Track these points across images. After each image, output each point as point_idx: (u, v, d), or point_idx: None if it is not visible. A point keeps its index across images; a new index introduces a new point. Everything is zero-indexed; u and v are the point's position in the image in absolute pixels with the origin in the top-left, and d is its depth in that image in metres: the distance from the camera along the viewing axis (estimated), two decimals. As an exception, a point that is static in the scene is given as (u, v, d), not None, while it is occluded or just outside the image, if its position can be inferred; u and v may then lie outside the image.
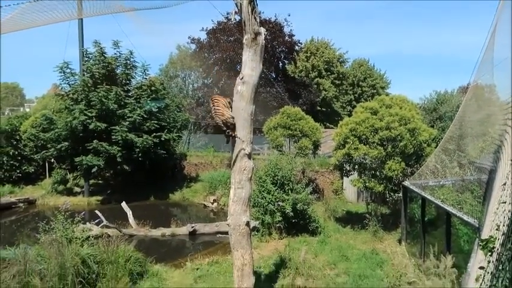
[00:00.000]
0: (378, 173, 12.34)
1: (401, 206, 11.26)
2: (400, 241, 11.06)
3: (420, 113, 14.52)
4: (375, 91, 44.22)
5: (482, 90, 11.04)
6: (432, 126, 15.58)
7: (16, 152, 20.17)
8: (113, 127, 17.66)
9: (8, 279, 7.26)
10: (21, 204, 17.43)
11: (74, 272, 7.60)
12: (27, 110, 44.53)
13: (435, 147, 11.88)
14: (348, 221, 13.00)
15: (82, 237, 9.28)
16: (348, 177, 14.30)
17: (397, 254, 10.12)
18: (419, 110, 16.22)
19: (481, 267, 4.11)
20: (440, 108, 21.66)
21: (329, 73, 43.05)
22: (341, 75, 44.21)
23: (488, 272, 3.97)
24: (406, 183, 10.88)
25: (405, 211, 11.00)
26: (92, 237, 9.90)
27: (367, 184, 12.32)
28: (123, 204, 13.58)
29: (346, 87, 44.84)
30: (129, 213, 13.27)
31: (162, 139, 18.72)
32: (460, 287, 6.54)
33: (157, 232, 12.73)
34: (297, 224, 11.82)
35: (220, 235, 12.29)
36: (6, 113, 39.66)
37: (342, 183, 17.17)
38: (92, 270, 8.07)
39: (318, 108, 39.09)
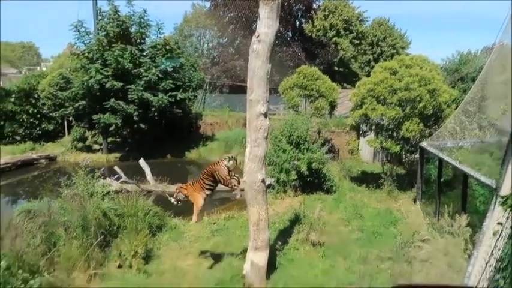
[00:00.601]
0: (395, 134, 12.21)
1: (418, 166, 11.21)
2: (415, 200, 11.10)
3: (441, 74, 14.11)
4: (395, 51, 42.81)
5: (508, 50, 10.61)
6: (453, 87, 15.17)
7: (35, 110, 20.54)
8: (129, 86, 17.72)
9: (34, 229, 7.60)
10: (42, 161, 17.94)
11: (96, 224, 7.89)
12: (44, 69, 44.81)
13: (455, 109, 11.63)
14: (363, 181, 13.05)
15: (102, 192, 9.56)
16: (364, 137, 14.21)
17: (412, 213, 10.20)
18: (441, 71, 15.75)
19: (499, 223, 4.13)
20: (463, 69, 20.97)
21: (347, 32, 41.71)
22: (360, 35, 42.80)
23: (506, 227, 3.98)
24: (424, 144, 10.76)
25: (421, 172, 10.96)
26: (112, 192, 10.18)
27: (383, 144, 12.23)
28: (141, 161, 13.83)
29: (365, 47, 43.51)
30: (147, 169, 13.53)
31: (178, 98, 18.74)
32: (473, 245, 6.58)
33: (174, 188, 13.00)
34: (312, 182, 11.92)
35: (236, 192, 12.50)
36: (23, 72, 40.01)
37: (358, 143, 17.09)
38: (113, 222, 8.38)
39: (335, 68, 38.28)
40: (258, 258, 7.11)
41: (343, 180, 13.30)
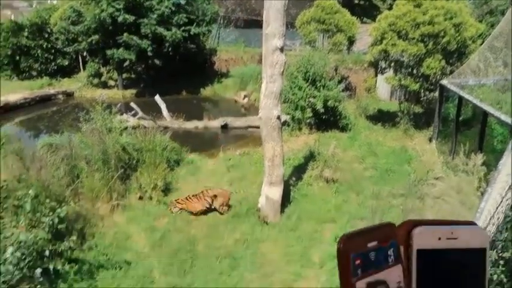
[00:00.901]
0: (414, 71, 11.84)
1: (436, 105, 11.00)
2: (430, 139, 11.04)
3: (469, 6, 13.31)
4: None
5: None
6: (480, 21, 14.34)
7: (49, 45, 20.35)
8: (141, 20, 17.28)
9: (57, 162, 7.91)
10: (60, 96, 18.12)
11: (116, 158, 8.17)
12: (54, 2, 43.68)
13: (480, 45, 11.11)
14: (379, 119, 12.92)
15: (120, 127, 9.74)
16: (382, 74, 13.86)
17: (427, 151, 10.20)
18: (468, 3, 14.82)
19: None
20: (493, 0, 19.66)
21: (370, -39, 38.98)
22: (383, -36, 40.01)
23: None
24: (444, 82, 10.46)
25: (439, 110, 10.77)
26: (130, 127, 10.37)
27: (402, 82, 11.91)
28: (157, 98, 13.88)
29: (388, -23, 40.84)
30: (163, 106, 13.61)
31: (191, 33, 18.25)
32: (487, 183, 6.64)
33: (190, 125, 13.19)
34: (327, 120, 11.87)
35: (251, 129, 12.61)
36: (34, 6, 39.11)
37: (376, 81, 16.68)
38: (132, 156, 8.65)
39: (356, 1, 36.36)
40: (272, 192, 7.35)
41: (358, 118, 13.18)
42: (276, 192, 7.38)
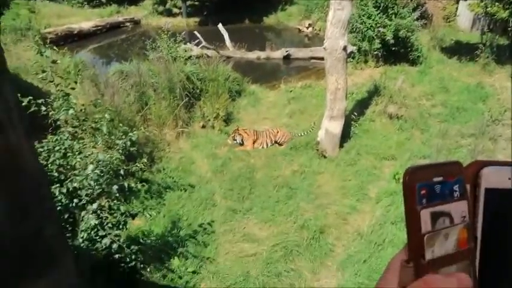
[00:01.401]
0: (504, -4, 10.44)
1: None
2: (513, 76, 10.01)
3: None
4: None
5: None
6: None
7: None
8: None
9: (127, 88, 8.36)
10: (128, 24, 18.58)
11: (181, 86, 8.44)
12: None
13: None
14: (456, 52, 11.79)
15: (184, 56, 9.93)
16: (465, 0, 12.41)
17: (507, 89, 9.29)
18: None
19: None
20: None
21: None
22: None
23: None
24: (540, 8, 9.17)
25: (529, 42, 9.58)
26: (193, 56, 10.51)
27: (488, 9, 10.59)
28: (220, 26, 13.76)
29: None
30: (226, 35, 13.51)
31: (256, -45, 17.38)
32: None
33: (252, 55, 13.06)
34: (397, 52, 11.06)
35: (314, 60, 12.23)
36: None
37: (457, 8, 15.02)
38: (196, 86, 8.88)
39: None
40: (333, 126, 7.27)
41: (432, 51, 12.13)
42: (337, 126, 7.28)
